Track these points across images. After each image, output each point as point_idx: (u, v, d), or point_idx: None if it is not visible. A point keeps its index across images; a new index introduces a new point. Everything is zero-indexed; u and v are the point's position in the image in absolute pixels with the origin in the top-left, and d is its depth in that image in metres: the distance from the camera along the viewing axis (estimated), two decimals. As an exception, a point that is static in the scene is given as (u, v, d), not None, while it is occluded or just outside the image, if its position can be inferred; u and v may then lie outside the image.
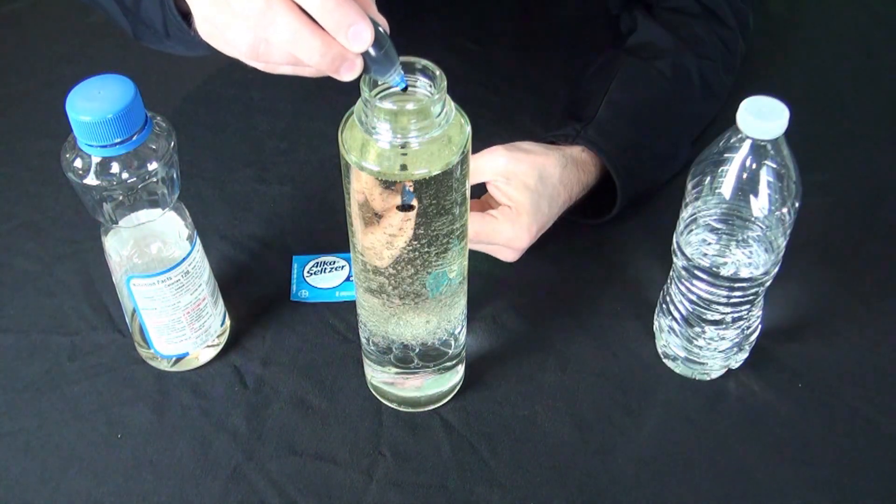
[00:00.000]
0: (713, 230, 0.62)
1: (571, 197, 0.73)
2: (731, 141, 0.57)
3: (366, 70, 0.49)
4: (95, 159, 0.56)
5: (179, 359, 0.68)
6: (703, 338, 0.65)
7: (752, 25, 0.90)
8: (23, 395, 0.67)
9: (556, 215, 0.73)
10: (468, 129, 0.52)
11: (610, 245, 0.77)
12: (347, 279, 0.74)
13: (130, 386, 0.67)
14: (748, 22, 0.89)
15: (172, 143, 0.58)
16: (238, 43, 0.52)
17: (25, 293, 0.74)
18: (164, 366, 0.68)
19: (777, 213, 0.58)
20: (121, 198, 0.58)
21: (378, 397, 0.66)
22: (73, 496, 0.61)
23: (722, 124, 0.58)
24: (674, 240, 0.64)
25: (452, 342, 0.62)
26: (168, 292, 0.62)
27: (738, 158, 0.57)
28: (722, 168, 0.58)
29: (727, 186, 0.58)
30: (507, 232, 0.69)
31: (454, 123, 0.51)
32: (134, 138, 0.55)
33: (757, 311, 0.65)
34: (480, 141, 0.60)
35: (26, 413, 0.66)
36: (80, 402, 0.66)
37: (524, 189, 0.69)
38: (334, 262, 0.75)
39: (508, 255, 0.72)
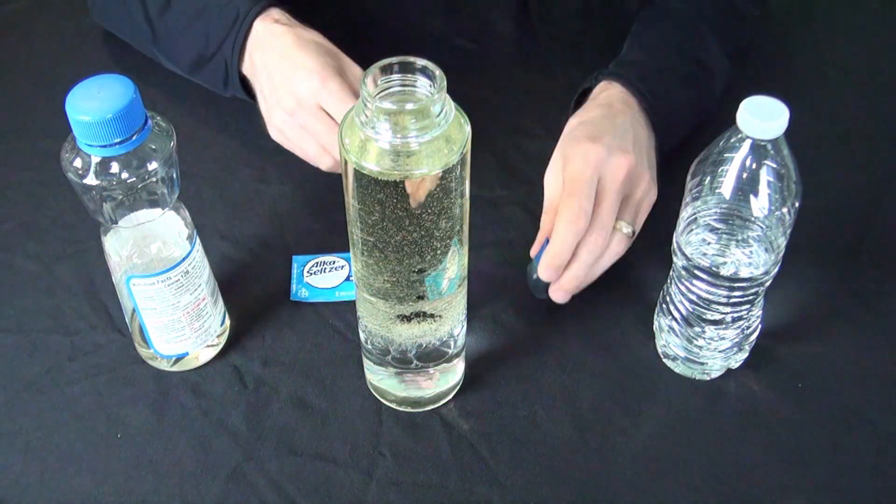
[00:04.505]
0: (713, 230, 0.62)
1: (620, 106, 0.73)
2: (731, 141, 0.57)
3: None
4: (95, 159, 0.56)
5: (179, 359, 0.68)
6: (703, 338, 0.65)
7: None
8: (23, 395, 0.67)
9: (619, 124, 0.71)
10: (468, 128, 0.52)
11: (610, 245, 0.77)
12: (347, 279, 0.74)
13: (130, 386, 0.67)
14: None
15: (172, 143, 0.58)
16: (306, 153, 0.77)
17: (25, 293, 0.74)
18: (164, 366, 0.68)
19: (777, 213, 0.58)
20: (121, 198, 0.58)
21: (378, 397, 0.66)
22: (73, 496, 0.61)
23: (722, 124, 0.58)
24: (674, 240, 0.64)
25: (452, 342, 0.62)
26: (168, 292, 0.62)
27: (738, 158, 0.57)
28: (722, 168, 0.58)
29: (727, 186, 0.58)
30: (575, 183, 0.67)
31: (454, 123, 0.51)
32: (134, 138, 0.55)
33: (757, 311, 0.65)
34: (480, 141, 0.60)
35: (26, 413, 0.66)
36: (80, 402, 0.66)
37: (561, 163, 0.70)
38: (334, 262, 0.75)
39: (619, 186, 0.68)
